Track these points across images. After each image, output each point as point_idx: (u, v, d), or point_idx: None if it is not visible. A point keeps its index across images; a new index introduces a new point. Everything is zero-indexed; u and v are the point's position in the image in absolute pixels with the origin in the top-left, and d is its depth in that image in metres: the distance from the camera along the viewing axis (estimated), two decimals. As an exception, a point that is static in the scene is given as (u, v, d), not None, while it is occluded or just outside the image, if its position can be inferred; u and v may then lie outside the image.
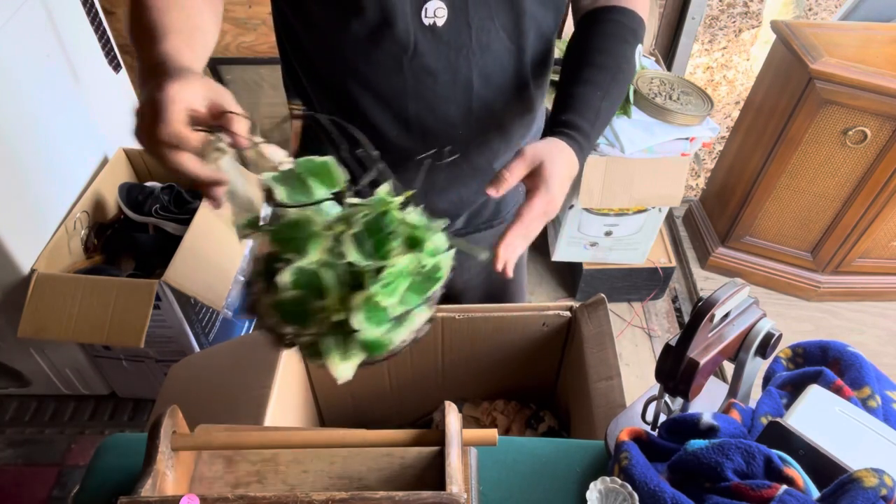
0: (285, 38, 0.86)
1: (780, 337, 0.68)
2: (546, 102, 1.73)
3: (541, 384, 1.18)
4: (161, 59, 0.61)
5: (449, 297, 1.18)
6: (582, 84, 0.80)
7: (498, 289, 1.18)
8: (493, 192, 0.73)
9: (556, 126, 0.79)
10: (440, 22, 0.74)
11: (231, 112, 0.55)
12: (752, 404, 0.69)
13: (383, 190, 0.56)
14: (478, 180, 0.92)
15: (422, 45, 0.75)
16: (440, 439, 0.63)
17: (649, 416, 0.73)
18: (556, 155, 0.76)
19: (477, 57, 0.78)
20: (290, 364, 0.96)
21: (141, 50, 0.65)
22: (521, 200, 1.02)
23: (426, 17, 0.73)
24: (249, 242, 1.70)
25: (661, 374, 0.66)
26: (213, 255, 1.57)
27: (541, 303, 1.72)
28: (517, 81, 0.84)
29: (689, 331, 0.62)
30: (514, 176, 0.73)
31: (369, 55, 0.76)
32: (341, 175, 0.58)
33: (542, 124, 0.96)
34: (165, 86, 0.54)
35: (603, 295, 0.97)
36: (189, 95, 0.55)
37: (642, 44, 0.84)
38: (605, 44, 0.81)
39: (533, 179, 0.74)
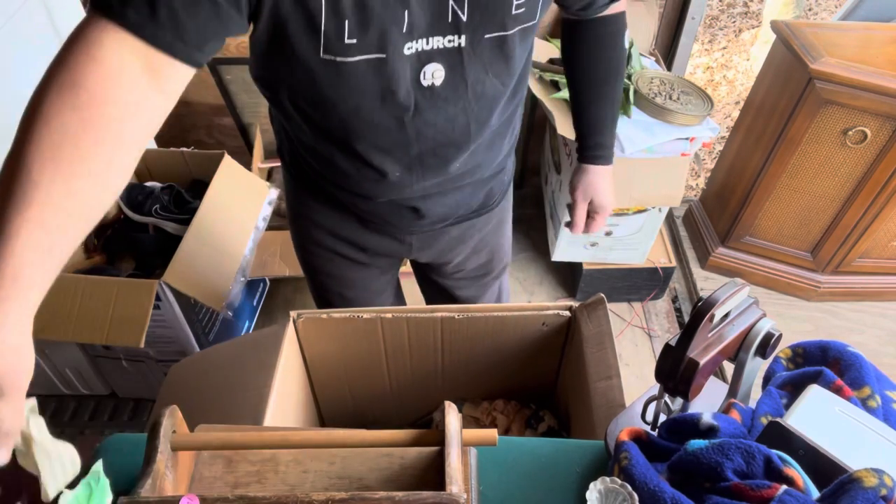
0: (287, 94, 0.79)
1: (780, 337, 0.68)
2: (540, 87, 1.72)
3: (540, 384, 1.18)
4: None
5: (440, 284, 1.22)
6: (596, 101, 1.02)
7: (484, 263, 1.21)
8: (575, 231, 1.10)
9: (587, 150, 1.06)
10: (438, 82, 0.75)
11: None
12: (752, 404, 0.69)
13: None
14: (470, 187, 0.98)
15: (421, 105, 0.77)
16: (440, 439, 0.63)
17: (649, 416, 0.73)
18: (599, 183, 1.07)
19: (472, 105, 0.80)
20: (289, 364, 0.96)
21: None
22: (506, 189, 1.12)
23: (424, 79, 0.74)
24: (250, 243, 1.69)
25: (660, 374, 0.66)
26: (213, 255, 1.57)
27: (541, 303, 1.72)
28: (506, 114, 0.89)
29: (689, 331, 0.62)
30: (581, 215, 1.10)
31: (371, 118, 0.78)
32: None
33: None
34: None
35: (602, 295, 0.97)
36: None
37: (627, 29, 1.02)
38: (605, 53, 0.99)
39: (591, 206, 1.10)
